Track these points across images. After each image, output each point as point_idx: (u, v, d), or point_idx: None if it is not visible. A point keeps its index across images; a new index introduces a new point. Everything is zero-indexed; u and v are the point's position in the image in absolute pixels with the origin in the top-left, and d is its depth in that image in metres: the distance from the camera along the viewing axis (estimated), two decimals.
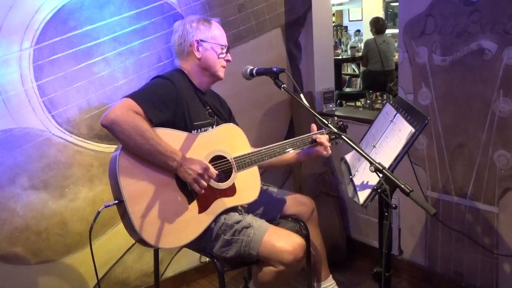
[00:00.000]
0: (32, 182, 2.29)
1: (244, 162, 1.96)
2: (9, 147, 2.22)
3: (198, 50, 1.98)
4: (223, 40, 2.04)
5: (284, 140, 2.06)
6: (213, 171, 1.82)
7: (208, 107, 2.05)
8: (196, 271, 2.92)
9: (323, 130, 2.12)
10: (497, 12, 2.17)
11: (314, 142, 2.07)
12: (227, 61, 2.06)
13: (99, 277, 2.53)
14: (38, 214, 2.33)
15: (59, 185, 2.37)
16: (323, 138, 2.06)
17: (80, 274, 2.49)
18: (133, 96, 1.78)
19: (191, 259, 2.88)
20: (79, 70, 2.36)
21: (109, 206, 1.78)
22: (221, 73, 2.04)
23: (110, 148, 2.49)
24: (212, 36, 2.00)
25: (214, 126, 2.00)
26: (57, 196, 2.37)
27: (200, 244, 1.92)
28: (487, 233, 2.40)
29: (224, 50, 2.03)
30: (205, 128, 1.97)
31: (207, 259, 2.82)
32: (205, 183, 1.80)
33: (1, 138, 2.19)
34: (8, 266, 2.28)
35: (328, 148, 2.06)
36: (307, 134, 2.09)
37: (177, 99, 1.88)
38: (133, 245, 2.64)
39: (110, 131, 1.73)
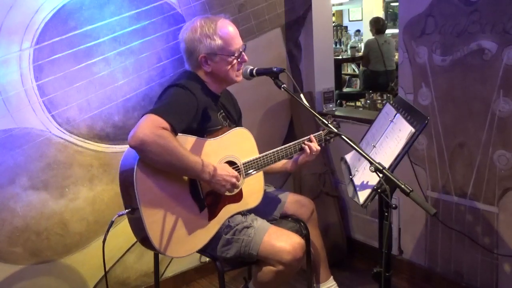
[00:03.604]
0: (32, 182, 2.29)
1: (252, 167, 1.97)
2: (9, 147, 2.22)
3: (207, 64, 1.92)
4: (234, 45, 1.91)
5: (284, 144, 2.08)
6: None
7: (222, 111, 2.03)
8: (196, 271, 2.92)
9: (321, 132, 2.16)
10: (497, 12, 2.17)
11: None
12: (241, 63, 1.96)
13: (99, 277, 2.54)
14: (38, 214, 2.33)
15: (59, 185, 2.37)
16: (312, 146, 2.08)
17: (80, 274, 2.49)
18: (158, 111, 1.70)
19: (191, 259, 2.88)
20: (79, 70, 2.36)
21: (122, 214, 1.78)
22: (237, 78, 1.96)
23: (110, 148, 2.49)
24: (219, 46, 1.88)
25: (227, 129, 1.98)
26: (57, 196, 2.37)
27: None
28: (487, 233, 2.40)
29: (235, 56, 1.92)
30: (218, 132, 1.94)
31: (207, 259, 2.82)
32: (236, 190, 1.88)
33: (1, 138, 2.19)
34: (8, 266, 2.28)
35: (310, 153, 2.09)
36: (300, 140, 2.11)
37: (197, 109, 1.85)
38: (133, 245, 2.64)
39: (139, 151, 1.66)
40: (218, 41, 1.88)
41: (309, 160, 2.11)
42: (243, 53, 1.95)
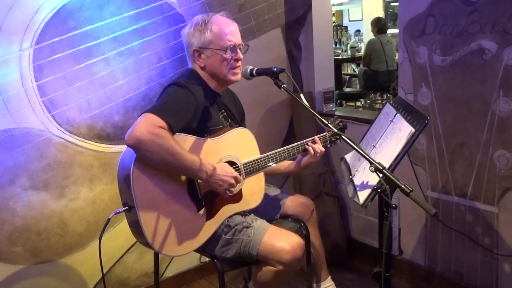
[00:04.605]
0: (32, 182, 2.29)
1: (252, 168, 1.96)
2: (9, 147, 2.22)
3: (200, 58, 1.92)
4: (226, 40, 1.89)
5: (284, 144, 2.07)
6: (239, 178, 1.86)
7: (223, 110, 2.02)
8: (196, 271, 2.92)
9: (326, 133, 2.13)
10: (497, 12, 2.17)
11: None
12: (236, 60, 1.92)
13: (99, 277, 2.53)
14: (38, 214, 2.33)
15: (59, 185, 2.37)
16: (316, 148, 2.05)
17: (80, 274, 2.49)
18: (156, 110, 1.71)
19: (191, 259, 2.88)
20: (79, 70, 2.36)
21: (119, 212, 1.78)
22: (232, 76, 1.93)
23: (110, 148, 2.49)
24: (210, 40, 1.89)
25: (228, 129, 1.97)
26: (57, 196, 2.37)
27: (201, 244, 1.92)
28: (487, 233, 2.40)
29: (228, 52, 1.90)
30: (219, 132, 1.93)
31: (207, 259, 2.82)
32: (234, 191, 1.86)
33: (1, 138, 2.19)
34: (8, 266, 2.28)
35: (314, 154, 2.05)
36: (303, 141, 2.08)
37: (196, 108, 1.84)
38: (133, 245, 2.64)
39: (135, 150, 1.67)
40: (209, 35, 1.89)
41: (313, 161, 2.08)
42: (238, 50, 1.93)
